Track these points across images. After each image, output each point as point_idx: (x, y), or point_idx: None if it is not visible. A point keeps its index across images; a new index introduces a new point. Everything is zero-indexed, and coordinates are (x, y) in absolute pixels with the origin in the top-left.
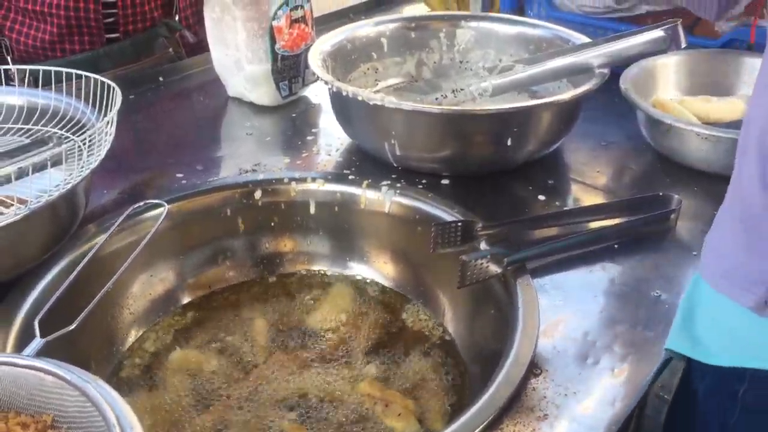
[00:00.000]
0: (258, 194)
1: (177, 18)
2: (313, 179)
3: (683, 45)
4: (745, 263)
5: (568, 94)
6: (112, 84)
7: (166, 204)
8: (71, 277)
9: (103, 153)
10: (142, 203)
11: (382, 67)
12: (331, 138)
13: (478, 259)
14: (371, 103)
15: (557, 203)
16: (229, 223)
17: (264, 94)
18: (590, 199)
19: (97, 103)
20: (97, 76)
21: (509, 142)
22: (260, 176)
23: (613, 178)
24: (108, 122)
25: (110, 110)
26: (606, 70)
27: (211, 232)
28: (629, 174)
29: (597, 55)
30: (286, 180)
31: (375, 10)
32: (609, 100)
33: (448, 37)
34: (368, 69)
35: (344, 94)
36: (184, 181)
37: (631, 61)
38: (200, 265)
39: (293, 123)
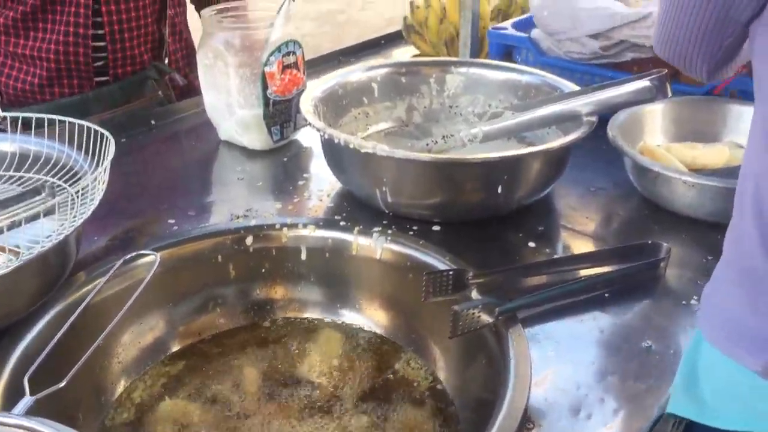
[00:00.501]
0: (249, 240)
1: (167, 61)
2: (305, 225)
3: (669, 95)
4: (749, 323)
5: (557, 143)
6: (106, 133)
7: (157, 255)
8: (59, 333)
9: (95, 203)
10: (133, 253)
11: (372, 111)
12: (323, 183)
13: (470, 309)
14: (362, 150)
15: (547, 250)
16: (220, 270)
17: (256, 138)
18: (580, 245)
19: (90, 151)
20: (90, 125)
21: (500, 190)
22: (252, 222)
23: (602, 225)
24: (101, 172)
25: (104, 159)
26: (594, 118)
27: (202, 279)
28: (618, 220)
29: (585, 103)
30: (277, 226)
31: (364, 53)
32: (597, 146)
33: (438, 83)
34: (359, 114)
35: (336, 141)
36: (175, 227)
37: (618, 109)
38: (190, 312)
39: (285, 167)
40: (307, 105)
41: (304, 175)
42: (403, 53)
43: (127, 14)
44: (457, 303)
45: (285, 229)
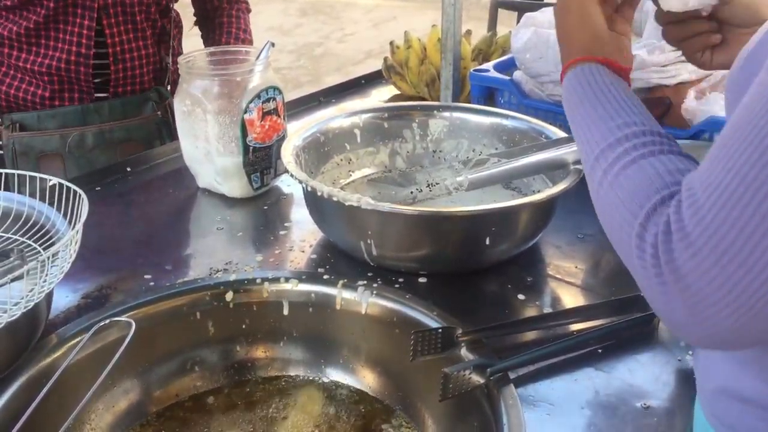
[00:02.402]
0: (229, 296)
1: (168, 88)
2: (287, 279)
3: None
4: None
5: (545, 194)
6: (80, 191)
7: (133, 323)
8: (29, 409)
9: (67, 267)
10: (107, 320)
11: (355, 157)
12: (305, 232)
13: (461, 371)
14: (347, 204)
15: (537, 303)
16: (198, 328)
17: (235, 186)
18: (570, 296)
19: (63, 208)
20: (63, 182)
21: (487, 242)
22: (232, 276)
23: (591, 274)
24: (74, 235)
25: (77, 220)
26: (581, 166)
27: (179, 338)
28: (607, 269)
29: (572, 151)
30: (258, 280)
31: (345, 93)
32: (582, 188)
33: (421, 127)
34: (341, 160)
35: (319, 194)
36: (152, 283)
37: None
38: (167, 374)
39: (265, 216)
40: (288, 155)
41: (285, 224)
42: (384, 93)
43: (126, 35)
44: (446, 362)
45: (266, 283)
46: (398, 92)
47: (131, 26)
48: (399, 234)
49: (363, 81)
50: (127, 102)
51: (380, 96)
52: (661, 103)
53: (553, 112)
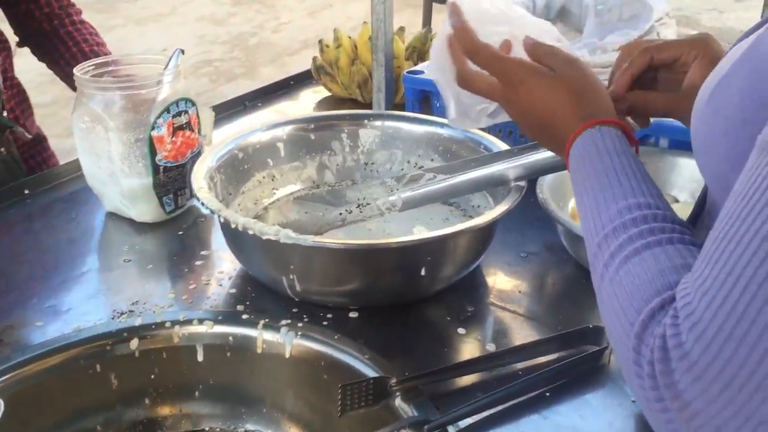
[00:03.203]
0: (134, 344)
1: (5, 114)
2: (201, 321)
3: None
4: None
5: (486, 217)
6: None
7: (1, 403)
8: None
9: None
10: None
11: (279, 174)
12: (224, 262)
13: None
14: (264, 237)
15: (478, 337)
16: (99, 382)
17: (145, 210)
18: (513, 328)
19: None
20: None
21: (423, 272)
22: (137, 321)
23: (536, 300)
24: None
25: None
26: (523, 183)
27: (77, 396)
28: (553, 293)
29: (513, 167)
30: (168, 324)
31: (272, 96)
32: (525, 201)
33: (351, 138)
34: (264, 177)
35: (233, 226)
36: (43, 332)
37: (548, 173)
38: None
39: (180, 242)
40: (200, 179)
41: (203, 252)
42: (314, 95)
43: None
44: (381, 413)
45: (177, 326)
46: (329, 94)
47: None
48: (324, 268)
49: (292, 82)
50: None
51: (310, 98)
52: None
53: None
